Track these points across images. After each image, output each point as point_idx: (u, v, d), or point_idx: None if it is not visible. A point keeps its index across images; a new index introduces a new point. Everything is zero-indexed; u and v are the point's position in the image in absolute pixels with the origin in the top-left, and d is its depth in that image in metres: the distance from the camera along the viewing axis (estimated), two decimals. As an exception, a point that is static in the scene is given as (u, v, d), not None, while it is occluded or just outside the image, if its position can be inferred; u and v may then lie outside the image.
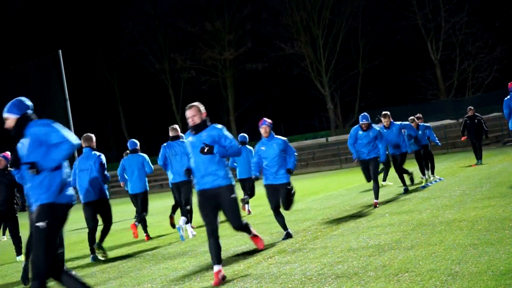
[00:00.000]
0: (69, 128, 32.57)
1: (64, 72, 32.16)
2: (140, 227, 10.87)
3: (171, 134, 10.40)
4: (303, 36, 43.43)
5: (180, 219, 9.63)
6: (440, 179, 13.59)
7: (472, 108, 17.78)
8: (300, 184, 14.48)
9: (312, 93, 46.30)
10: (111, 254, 9.30)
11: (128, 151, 11.26)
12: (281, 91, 51.14)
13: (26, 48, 47.43)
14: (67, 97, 32.61)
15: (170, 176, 10.41)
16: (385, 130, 12.03)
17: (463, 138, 17.41)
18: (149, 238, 10.59)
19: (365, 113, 11.07)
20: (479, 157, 17.09)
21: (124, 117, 51.39)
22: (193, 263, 7.28)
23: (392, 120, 12.52)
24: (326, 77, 44.07)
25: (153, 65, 46.99)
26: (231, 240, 8.77)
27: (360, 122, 10.79)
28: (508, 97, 11.60)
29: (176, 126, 10.51)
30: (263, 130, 8.17)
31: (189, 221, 10.10)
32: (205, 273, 6.55)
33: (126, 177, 10.89)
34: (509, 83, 12.66)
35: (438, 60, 42.22)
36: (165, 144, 10.40)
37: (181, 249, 8.65)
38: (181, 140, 10.24)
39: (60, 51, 32.20)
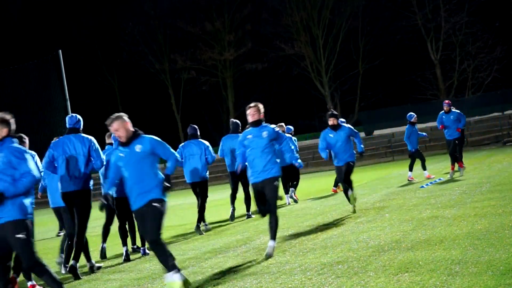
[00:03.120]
0: (69, 128, 32.58)
1: (64, 72, 32.16)
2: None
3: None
4: (303, 36, 43.44)
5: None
6: (440, 179, 13.60)
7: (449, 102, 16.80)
8: (300, 184, 14.49)
9: (312, 93, 46.30)
10: (110, 254, 9.30)
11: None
12: (281, 91, 51.13)
13: (26, 48, 47.42)
14: (67, 97, 32.59)
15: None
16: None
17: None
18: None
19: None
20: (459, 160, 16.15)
21: (124, 117, 51.35)
22: (193, 263, 7.29)
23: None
24: (326, 77, 44.07)
25: (153, 65, 47.00)
26: (231, 240, 8.78)
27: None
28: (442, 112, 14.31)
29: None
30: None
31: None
32: (205, 273, 6.56)
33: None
34: (445, 101, 14.49)
35: (438, 60, 42.24)
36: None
37: (181, 249, 8.66)
38: None
39: (60, 51, 32.16)
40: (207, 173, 10.63)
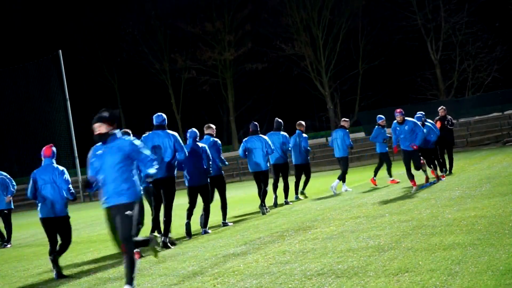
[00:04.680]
0: (69, 128, 32.66)
1: (64, 72, 32.13)
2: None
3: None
4: (303, 36, 43.43)
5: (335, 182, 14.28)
6: (440, 179, 13.58)
7: (444, 107, 15.63)
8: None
9: (312, 93, 46.30)
10: (110, 253, 9.30)
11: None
12: (281, 91, 51.14)
13: (26, 48, 47.44)
14: (67, 97, 32.60)
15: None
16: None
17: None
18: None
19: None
20: (450, 166, 15.16)
21: (124, 117, 51.42)
22: (193, 263, 7.29)
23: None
24: (326, 77, 44.07)
25: (153, 65, 47.00)
26: (231, 240, 8.77)
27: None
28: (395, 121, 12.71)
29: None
30: None
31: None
32: (205, 273, 6.56)
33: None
34: (397, 109, 12.67)
35: (438, 60, 42.23)
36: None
37: (181, 249, 8.66)
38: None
39: (60, 51, 32.16)
40: (268, 164, 12.38)
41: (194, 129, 10.39)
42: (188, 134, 10.27)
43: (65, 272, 8.04)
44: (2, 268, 9.71)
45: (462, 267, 5.08)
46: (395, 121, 12.65)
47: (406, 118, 12.61)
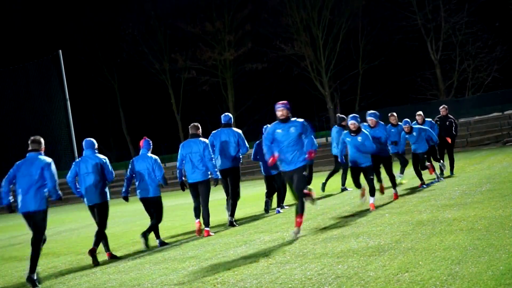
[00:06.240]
0: (69, 128, 32.63)
1: (64, 72, 32.15)
2: None
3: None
4: (303, 36, 43.42)
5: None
6: (440, 179, 13.57)
7: (446, 106, 14.74)
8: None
9: (312, 93, 46.29)
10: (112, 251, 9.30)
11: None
12: (281, 91, 51.10)
13: (26, 48, 47.43)
14: (67, 97, 32.64)
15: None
16: None
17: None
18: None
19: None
20: (451, 167, 14.42)
21: (124, 117, 51.42)
22: (193, 263, 7.29)
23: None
24: (326, 77, 44.06)
25: (153, 65, 47.00)
26: (231, 240, 8.77)
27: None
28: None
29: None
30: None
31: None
32: (205, 273, 6.56)
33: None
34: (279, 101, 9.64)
35: (438, 60, 42.23)
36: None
37: (181, 249, 8.66)
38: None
39: (60, 51, 32.21)
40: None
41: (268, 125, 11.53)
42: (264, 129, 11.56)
43: (64, 270, 8.02)
44: (2, 268, 9.71)
45: (462, 267, 5.08)
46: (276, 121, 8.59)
47: (293, 118, 8.53)
